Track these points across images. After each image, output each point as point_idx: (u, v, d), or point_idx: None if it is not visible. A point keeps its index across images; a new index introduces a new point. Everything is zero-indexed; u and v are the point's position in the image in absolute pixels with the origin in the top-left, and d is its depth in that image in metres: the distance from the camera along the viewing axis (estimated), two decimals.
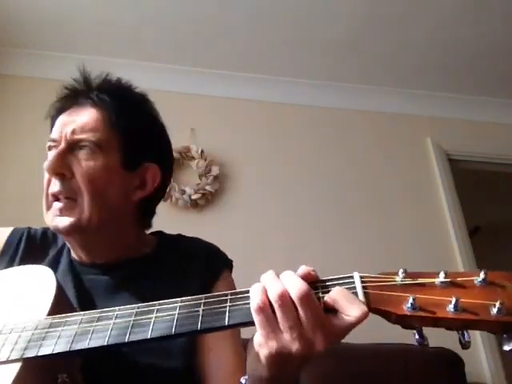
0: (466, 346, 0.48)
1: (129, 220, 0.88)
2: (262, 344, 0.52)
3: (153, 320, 0.56)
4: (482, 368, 2.09)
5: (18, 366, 0.57)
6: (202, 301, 0.56)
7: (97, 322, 0.58)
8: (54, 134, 0.85)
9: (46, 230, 0.93)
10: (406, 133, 2.66)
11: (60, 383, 0.59)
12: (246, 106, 2.53)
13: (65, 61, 2.35)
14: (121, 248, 0.86)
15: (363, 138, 2.60)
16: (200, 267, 0.85)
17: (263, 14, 2.21)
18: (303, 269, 0.55)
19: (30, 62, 2.36)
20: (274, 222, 2.27)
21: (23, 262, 0.84)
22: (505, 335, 0.47)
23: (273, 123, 2.54)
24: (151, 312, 0.57)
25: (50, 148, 0.85)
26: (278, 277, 0.54)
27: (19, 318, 0.64)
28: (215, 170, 2.28)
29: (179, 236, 0.94)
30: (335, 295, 0.51)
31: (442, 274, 0.50)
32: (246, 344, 0.58)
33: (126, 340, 0.55)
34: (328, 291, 0.52)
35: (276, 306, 0.51)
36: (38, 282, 0.69)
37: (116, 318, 0.58)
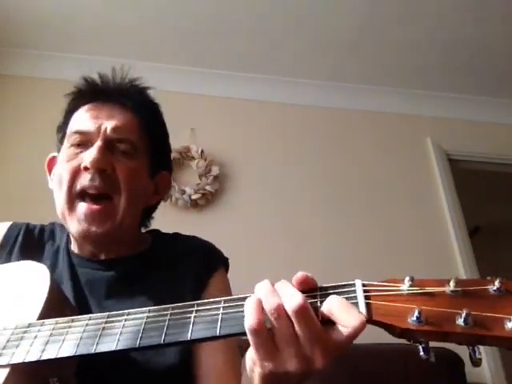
0: (476, 363, 0.44)
1: (138, 221, 0.91)
2: (256, 363, 0.49)
3: (120, 330, 0.54)
4: (482, 368, 2.09)
5: (6, 370, 0.56)
6: (169, 311, 0.53)
7: (69, 328, 0.57)
8: (86, 127, 0.82)
9: (43, 226, 0.94)
10: (406, 133, 2.66)
11: None
12: (246, 106, 2.53)
13: (65, 61, 2.35)
14: (124, 246, 0.87)
15: (363, 138, 2.60)
16: (195, 264, 0.85)
17: (263, 14, 2.21)
18: (300, 276, 0.51)
19: (30, 62, 2.36)
20: (274, 221, 2.27)
21: (21, 256, 0.84)
22: None
23: (273, 123, 2.54)
24: (119, 321, 0.55)
25: (78, 141, 0.82)
26: (273, 286, 0.50)
27: (12, 317, 0.63)
28: (215, 170, 2.28)
29: (175, 234, 0.95)
30: (330, 305, 0.47)
31: (452, 283, 0.46)
32: (242, 346, 0.56)
33: (93, 351, 0.53)
34: None
35: (272, 320, 0.47)
36: (32, 280, 0.68)
37: (86, 325, 0.56)
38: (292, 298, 0.47)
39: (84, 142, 0.81)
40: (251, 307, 0.48)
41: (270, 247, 2.17)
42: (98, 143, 0.79)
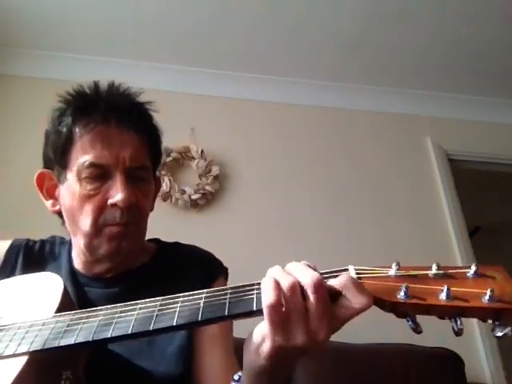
0: (458, 333, 0.49)
1: None
2: (267, 337, 0.52)
3: (178, 309, 0.57)
4: (482, 368, 2.09)
5: (23, 360, 0.58)
6: (229, 291, 0.57)
7: (120, 313, 0.59)
8: (102, 160, 0.79)
9: (43, 242, 0.94)
10: (406, 133, 2.66)
11: (64, 379, 0.60)
12: (245, 105, 2.53)
13: (65, 61, 2.35)
14: (132, 258, 0.87)
15: (363, 138, 2.60)
16: (195, 275, 0.86)
17: (263, 14, 2.21)
18: (303, 262, 0.55)
19: (30, 62, 2.36)
20: (274, 221, 2.27)
21: (23, 273, 0.83)
22: (496, 322, 0.48)
23: (273, 123, 2.54)
24: (176, 302, 0.58)
25: (95, 174, 0.79)
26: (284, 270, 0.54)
27: (27, 317, 0.65)
28: (215, 170, 2.28)
29: (176, 244, 0.95)
30: (345, 281, 0.51)
31: (434, 267, 0.52)
32: (242, 343, 0.58)
33: (151, 328, 0.56)
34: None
35: (288, 296, 0.50)
36: (45, 286, 0.70)
37: (140, 309, 0.59)
38: (308, 274, 0.51)
39: (101, 174, 0.80)
40: (269, 285, 0.51)
41: (269, 247, 2.17)
42: (121, 178, 0.79)
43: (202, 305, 0.56)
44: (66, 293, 0.69)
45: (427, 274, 0.52)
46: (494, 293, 0.47)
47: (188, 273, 0.86)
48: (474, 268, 0.51)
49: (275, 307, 0.50)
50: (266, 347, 0.52)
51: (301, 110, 2.59)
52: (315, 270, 0.54)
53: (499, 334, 0.47)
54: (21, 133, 2.21)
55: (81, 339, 0.57)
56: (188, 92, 2.48)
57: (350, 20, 2.25)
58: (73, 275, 0.86)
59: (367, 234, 2.33)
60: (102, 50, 2.34)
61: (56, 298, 0.67)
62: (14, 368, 0.57)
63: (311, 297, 0.50)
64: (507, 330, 0.47)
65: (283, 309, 0.51)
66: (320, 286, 0.50)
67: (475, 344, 2.14)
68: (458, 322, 0.49)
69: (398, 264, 0.53)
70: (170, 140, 2.18)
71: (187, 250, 0.93)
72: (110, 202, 0.79)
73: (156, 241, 0.97)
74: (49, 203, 0.88)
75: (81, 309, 0.76)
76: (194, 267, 0.87)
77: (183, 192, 2.20)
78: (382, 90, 2.68)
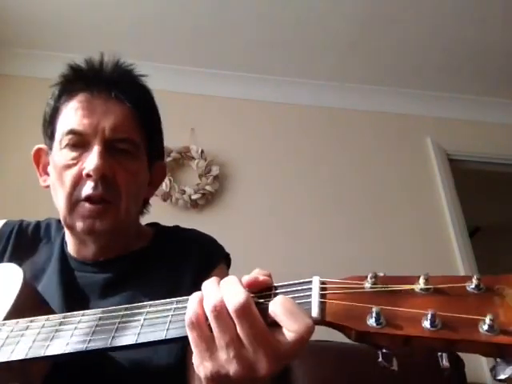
0: (445, 370, 0.38)
1: (138, 216, 0.89)
2: (198, 364, 0.46)
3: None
4: (482, 368, 2.09)
5: None
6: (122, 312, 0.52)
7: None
8: (81, 126, 0.76)
9: (38, 223, 0.91)
10: (406, 133, 2.66)
11: None
12: (245, 105, 2.53)
13: (65, 61, 2.34)
14: (124, 242, 0.84)
15: (363, 138, 2.60)
16: (196, 258, 0.82)
17: (263, 14, 2.21)
18: (254, 273, 0.48)
19: (30, 62, 2.36)
20: (274, 221, 2.27)
21: (14, 254, 0.82)
22: (498, 359, 0.35)
23: (273, 123, 2.54)
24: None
25: (73, 142, 0.76)
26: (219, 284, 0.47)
27: None
28: (215, 170, 2.28)
29: (176, 228, 0.92)
30: (274, 306, 0.43)
31: (422, 279, 0.40)
32: None
33: (43, 354, 0.52)
34: None
35: (210, 318, 0.44)
36: (4, 281, 0.66)
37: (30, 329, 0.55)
38: (234, 297, 0.44)
39: (80, 142, 0.76)
40: (192, 301, 0.47)
41: (269, 247, 2.17)
42: (98, 147, 0.75)
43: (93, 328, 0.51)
44: (24, 289, 0.63)
45: (414, 290, 0.40)
46: (497, 320, 0.35)
47: (188, 257, 0.82)
48: (475, 281, 0.38)
49: (191, 327, 0.45)
50: (202, 376, 0.46)
51: (301, 110, 2.58)
52: (263, 280, 0.47)
53: (502, 376, 0.34)
54: (18, 133, 2.21)
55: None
56: (188, 92, 2.48)
57: (350, 20, 2.25)
58: (64, 260, 0.82)
59: (367, 233, 2.32)
60: (101, 49, 2.33)
61: (12, 297, 0.62)
62: None
63: (236, 322, 0.43)
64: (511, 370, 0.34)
65: (210, 331, 0.45)
66: (243, 311, 0.43)
67: None
68: (444, 359, 0.38)
69: (374, 276, 0.42)
70: (170, 140, 2.18)
71: (187, 233, 0.89)
72: (84, 171, 0.74)
73: (155, 225, 0.93)
74: (42, 179, 0.85)
75: (71, 295, 0.75)
76: (194, 251, 0.83)
77: (183, 192, 2.20)
78: (382, 89, 2.68)
